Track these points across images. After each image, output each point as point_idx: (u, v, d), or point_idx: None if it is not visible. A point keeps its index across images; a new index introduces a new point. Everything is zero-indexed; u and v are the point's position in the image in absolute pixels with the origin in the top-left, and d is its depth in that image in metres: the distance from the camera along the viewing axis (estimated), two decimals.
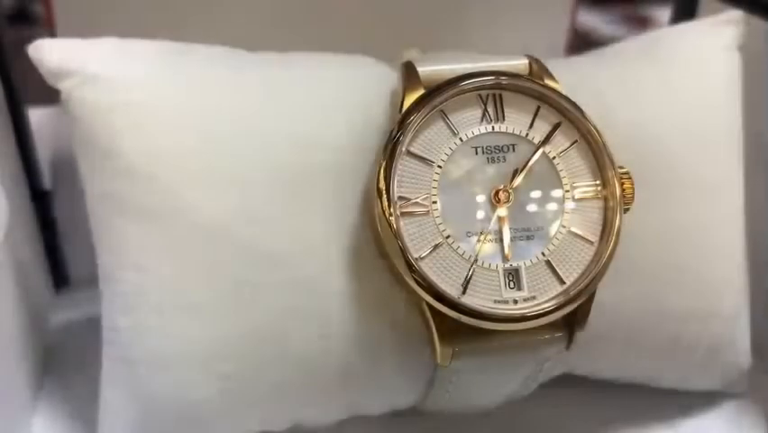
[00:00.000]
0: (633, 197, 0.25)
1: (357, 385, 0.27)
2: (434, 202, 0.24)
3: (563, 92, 0.25)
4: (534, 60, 0.26)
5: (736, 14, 0.32)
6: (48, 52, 0.26)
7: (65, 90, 0.25)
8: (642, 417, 0.33)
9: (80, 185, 0.27)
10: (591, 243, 0.24)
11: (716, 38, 0.32)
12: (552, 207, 0.24)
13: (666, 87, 0.29)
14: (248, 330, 0.25)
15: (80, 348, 0.35)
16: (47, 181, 0.37)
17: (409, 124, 0.24)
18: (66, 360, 0.35)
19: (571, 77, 0.27)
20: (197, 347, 0.25)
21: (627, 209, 0.25)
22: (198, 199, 0.25)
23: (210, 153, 0.25)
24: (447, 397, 0.27)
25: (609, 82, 0.29)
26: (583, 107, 0.25)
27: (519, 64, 0.26)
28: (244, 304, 0.25)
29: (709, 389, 0.33)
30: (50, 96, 0.35)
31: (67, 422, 0.31)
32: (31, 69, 0.30)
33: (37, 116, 0.37)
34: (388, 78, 0.27)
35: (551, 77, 0.25)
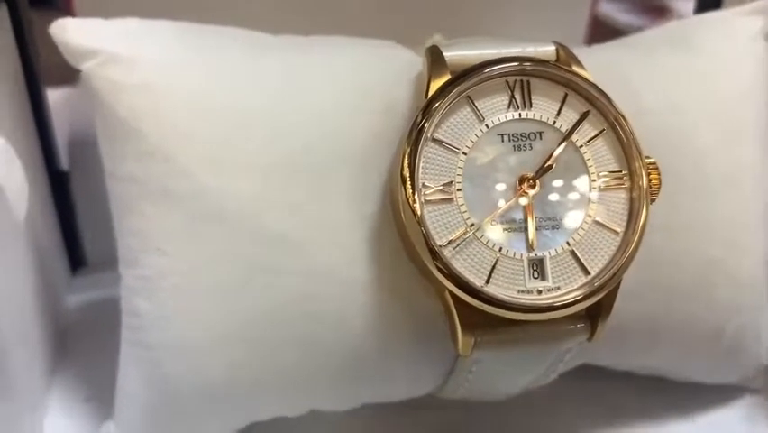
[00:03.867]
0: (659, 187, 0.25)
1: (374, 373, 0.26)
2: (459, 189, 0.23)
3: (591, 79, 0.24)
4: (561, 47, 0.25)
5: (762, 4, 0.32)
6: (70, 32, 0.25)
7: (86, 70, 0.25)
8: (659, 409, 0.33)
9: (98, 166, 0.27)
10: (617, 233, 0.24)
11: (742, 28, 0.31)
12: (577, 196, 0.24)
13: (693, 76, 0.29)
14: (265, 315, 0.25)
15: (96, 329, 0.35)
16: (64, 162, 0.37)
17: (435, 110, 0.23)
18: (82, 340, 0.35)
19: (598, 64, 0.26)
20: (216, 331, 0.25)
21: (654, 200, 0.24)
22: (218, 183, 0.24)
23: (230, 137, 0.25)
24: (466, 386, 0.26)
25: (636, 69, 0.28)
26: (611, 95, 0.25)
27: (547, 50, 0.25)
28: (262, 289, 0.25)
29: (728, 382, 0.32)
30: (67, 76, 0.35)
31: (82, 403, 0.32)
32: (48, 49, 0.30)
33: (55, 97, 0.37)
34: (411, 62, 0.26)
35: (579, 64, 0.25)
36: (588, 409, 0.32)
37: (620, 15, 0.92)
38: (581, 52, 0.26)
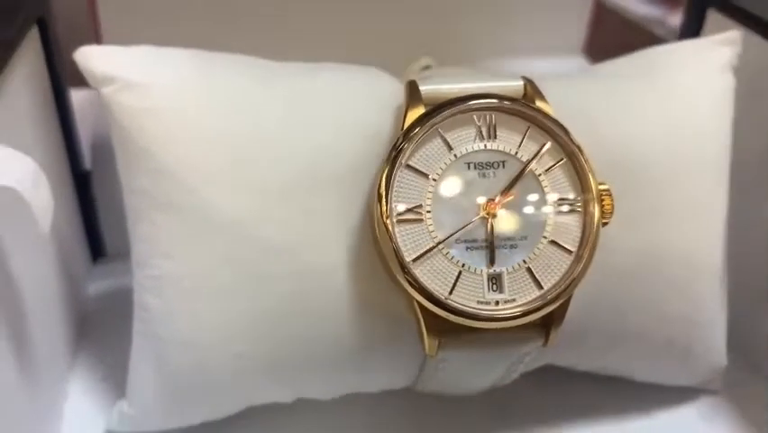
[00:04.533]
0: (612, 212, 0.27)
1: (354, 367, 0.30)
2: (428, 211, 0.26)
3: (552, 114, 0.27)
4: (529, 82, 0.28)
5: (732, 36, 0.34)
6: (92, 59, 0.28)
7: (105, 95, 0.28)
8: (620, 405, 0.35)
9: (117, 167, 0.30)
10: (570, 252, 0.27)
11: (710, 59, 0.33)
12: (535, 219, 0.27)
13: (657, 107, 0.31)
14: (260, 314, 0.28)
15: (113, 315, 0.38)
16: (87, 162, 0.41)
17: (410, 139, 0.26)
18: (100, 325, 0.38)
19: (562, 96, 0.29)
20: (217, 328, 0.28)
21: (606, 223, 0.27)
22: (221, 199, 0.27)
23: (232, 158, 0.28)
24: (435, 382, 0.30)
25: (598, 101, 0.31)
26: (572, 126, 0.28)
27: (516, 86, 0.28)
28: (257, 291, 0.28)
29: (686, 385, 0.35)
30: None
31: (100, 382, 0.35)
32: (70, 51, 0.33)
33: (78, 98, 0.39)
34: (395, 93, 0.29)
35: (543, 99, 0.28)
36: (551, 405, 0.34)
37: (635, 5, 0.93)
38: (549, 83, 0.29)
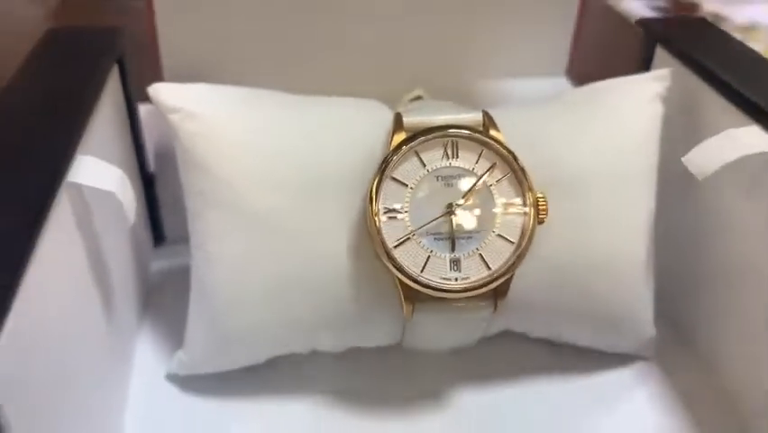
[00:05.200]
0: (546, 214, 0.36)
1: (354, 327, 0.39)
2: (406, 211, 0.36)
3: (502, 140, 0.36)
4: (486, 114, 0.37)
5: (661, 73, 0.42)
6: (161, 94, 0.38)
7: (172, 122, 0.38)
8: (566, 368, 0.42)
9: (174, 170, 0.39)
10: (512, 243, 0.36)
11: (642, 91, 0.41)
12: (487, 217, 0.36)
13: (592, 132, 0.40)
14: (283, 285, 0.37)
15: (171, 288, 0.47)
16: (152, 166, 0.51)
17: (394, 157, 0.36)
18: (161, 296, 0.47)
19: (513, 123, 0.38)
20: (252, 294, 0.38)
21: (542, 222, 0.36)
22: (255, 200, 0.37)
23: (263, 169, 0.37)
24: (415, 340, 0.39)
25: (545, 126, 0.39)
26: (519, 148, 0.37)
27: (476, 117, 0.37)
28: (281, 269, 0.37)
29: (622, 352, 0.43)
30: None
31: (161, 338, 0.44)
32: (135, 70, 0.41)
33: (144, 111, 0.47)
34: (388, 120, 0.38)
35: (495, 128, 0.37)
36: (507, 366, 0.42)
37: (645, 12, 0.99)
38: (507, 112, 0.38)
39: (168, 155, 0.48)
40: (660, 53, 0.47)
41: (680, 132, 0.43)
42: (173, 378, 0.41)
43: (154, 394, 0.41)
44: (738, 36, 0.47)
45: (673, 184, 0.43)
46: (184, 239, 0.40)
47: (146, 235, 0.50)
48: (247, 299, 0.38)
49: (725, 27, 0.51)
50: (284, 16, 0.49)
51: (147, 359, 0.42)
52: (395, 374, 0.42)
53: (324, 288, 0.38)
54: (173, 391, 0.41)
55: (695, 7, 1.03)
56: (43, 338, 0.28)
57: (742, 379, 0.41)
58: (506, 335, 0.43)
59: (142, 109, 0.48)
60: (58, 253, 0.31)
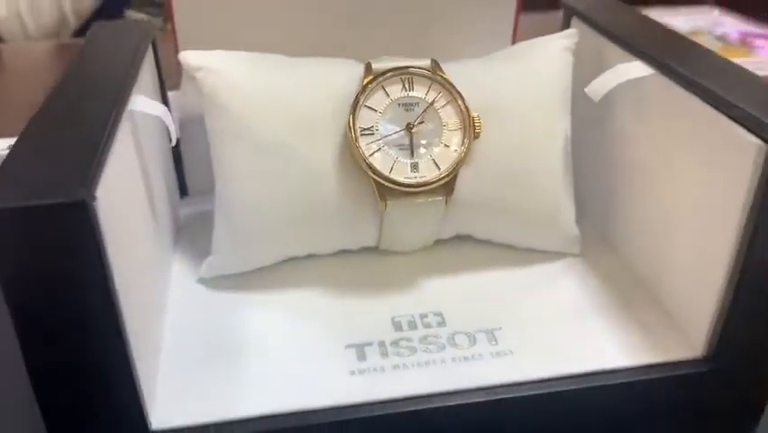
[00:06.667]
0: (481, 130, 0.49)
1: (342, 227, 0.51)
2: (377, 129, 0.48)
3: (446, 76, 0.49)
4: (433, 60, 0.50)
5: (569, 32, 0.55)
6: (189, 58, 0.51)
7: (199, 78, 0.50)
8: (508, 264, 0.54)
9: (194, 138, 0.51)
10: (456, 151, 0.48)
11: (554, 45, 0.54)
12: (436, 132, 0.48)
13: (516, 74, 0.53)
14: (287, 195, 0.49)
15: (194, 227, 0.59)
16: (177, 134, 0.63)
17: (365, 91, 0.48)
18: (187, 232, 0.59)
19: (458, 69, 0.50)
20: (264, 205, 0.49)
21: (478, 135, 0.49)
22: (261, 129, 0.49)
23: (268, 107, 0.49)
24: (388, 239, 0.51)
25: (480, 72, 0.52)
26: (461, 86, 0.49)
27: (425, 62, 0.50)
28: (285, 183, 0.49)
29: (554, 250, 0.55)
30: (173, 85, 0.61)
31: (190, 262, 0.55)
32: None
33: (171, 96, 0.61)
34: (361, 71, 0.51)
35: (441, 70, 0.49)
36: (461, 262, 0.53)
37: None
38: (449, 64, 0.51)
39: (189, 128, 0.60)
40: (575, 22, 0.60)
41: (590, 75, 0.56)
42: (203, 281, 0.53)
43: (188, 294, 0.52)
44: None
45: (587, 114, 0.56)
46: (203, 192, 0.52)
47: (175, 188, 0.62)
48: (259, 208, 0.50)
49: None
50: (281, 16, 0.62)
51: (181, 272, 0.54)
52: (375, 270, 0.54)
53: (317, 195, 0.50)
54: (202, 289, 0.52)
55: None
56: (119, 217, 0.40)
57: (648, 262, 0.52)
58: (457, 239, 0.55)
59: (170, 94, 0.61)
60: (122, 159, 0.42)
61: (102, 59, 0.50)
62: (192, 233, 0.59)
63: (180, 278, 0.54)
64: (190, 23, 0.60)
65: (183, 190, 0.64)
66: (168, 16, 0.62)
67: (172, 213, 0.58)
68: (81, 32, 1.33)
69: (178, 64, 0.63)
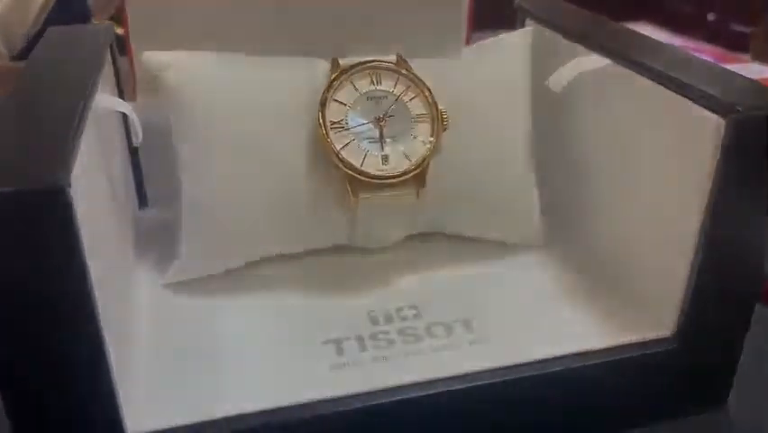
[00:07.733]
0: (447, 123, 0.49)
1: (315, 226, 0.51)
2: (347, 123, 0.48)
3: (412, 71, 0.50)
4: (399, 56, 0.51)
5: (528, 30, 0.57)
6: (152, 58, 0.50)
7: (164, 77, 0.49)
8: (476, 256, 0.54)
9: (155, 145, 0.51)
10: (424, 143, 0.49)
11: (515, 42, 0.56)
12: (405, 125, 0.49)
13: (481, 68, 0.54)
14: (261, 192, 0.49)
15: (153, 233, 0.57)
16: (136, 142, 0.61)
17: (334, 86, 0.48)
18: (147, 237, 0.57)
19: (426, 65, 0.51)
20: (235, 203, 0.49)
21: (446, 128, 0.49)
22: (229, 125, 0.49)
23: (235, 104, 0.49)
24: (361, 236, 0.51)
25: (448, 68, 0.53)
26: (430, 81, 0.50)
27: (392, 57, 0.50)
28: (257, 181, 0.48)
29: (518, 242, 0.56)
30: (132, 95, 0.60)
31: (153, 264, 0.54)
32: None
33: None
34: (326, 69, 0.51)
35: (407, 65, 0.50)
36: (430, 256, 0.54)
37: None
38: (416, 62, 0.52)
39: (148, 135, 0.59)
40: (528, 22, 0.62)
41: (549, 72, 0.57)
42: (170, 286, 0.51)
43: (156, 299, 0.50)
44: None
45: (548, 108, 0.58)
46: (162, 203, 0.52)
47: (134, 193, 0.60)
48: (228, 207, 0.49)
49: None
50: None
51: (146, 277, 0.52)
52: (348, 268, 0.54)
53: (289, 194, 0.50)
54: (169, 294, 0.51)
55: None
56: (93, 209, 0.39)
57: (614, 247, 0.54)
58: (428, 235, 0.55)
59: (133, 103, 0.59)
60: (89, 154, 0.41)
61: (61, 59, 0.48)
62: (153, 241, 0.57)
63: (146, 283, 0.52)
64: (145, 27, 0.59)
65: (142, 201, 0.62)
66: (123, 23, 0.61)
67: (133, 220, 0.57)
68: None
69: (133, 76, 0.62)
